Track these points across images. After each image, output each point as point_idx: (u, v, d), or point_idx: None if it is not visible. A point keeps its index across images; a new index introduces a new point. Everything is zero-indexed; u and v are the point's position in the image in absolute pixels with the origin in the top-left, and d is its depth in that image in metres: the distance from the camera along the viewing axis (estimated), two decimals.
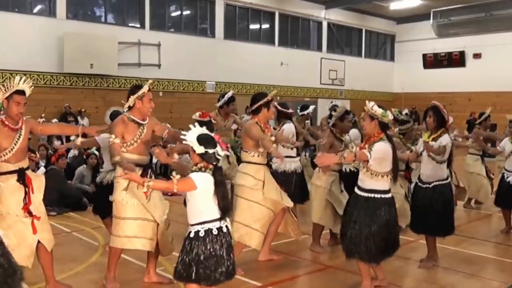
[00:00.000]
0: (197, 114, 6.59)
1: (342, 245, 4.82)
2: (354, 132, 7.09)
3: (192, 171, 3.61)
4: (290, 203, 5.61)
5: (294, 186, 7.06)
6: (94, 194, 6.89)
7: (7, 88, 4.35)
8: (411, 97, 23.55)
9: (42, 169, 8.61)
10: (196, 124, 3.74)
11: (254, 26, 20.84)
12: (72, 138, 4.85)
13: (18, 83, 4.37)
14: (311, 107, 8.38)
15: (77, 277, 5.17)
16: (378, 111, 4.58)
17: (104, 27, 16.16)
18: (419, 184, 5.63)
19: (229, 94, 7.21)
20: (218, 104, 7.22)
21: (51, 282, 4.71)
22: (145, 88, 4.68)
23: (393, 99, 24.61)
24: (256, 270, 5.40)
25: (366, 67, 24.35)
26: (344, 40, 24.37)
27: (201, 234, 3.57)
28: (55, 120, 13.49)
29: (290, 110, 7.34)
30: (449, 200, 5.56)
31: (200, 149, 3.56)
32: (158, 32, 17.25)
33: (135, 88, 4.73)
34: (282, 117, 7.20)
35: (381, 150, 4.49)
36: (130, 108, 4.71)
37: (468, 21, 22.61)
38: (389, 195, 4.64)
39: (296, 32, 22.17)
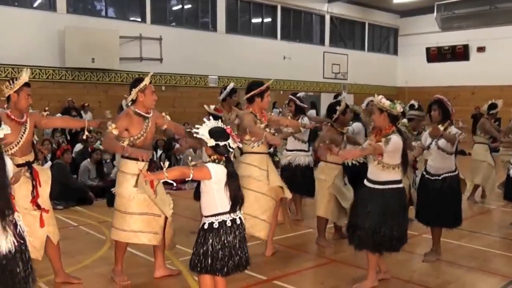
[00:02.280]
0: (212, 107, 6.71)
1: (351, 237, 4.88)
2: (357, 125, 7.20)
3: (206, 162, 3.74)
4: (289, 194, 5.76)
5: (308, 179, 7.23)
6: (107, 187, 6.91)
7: (14, 82, 4.43)
8: (414, 91, 23.60)
9: (49, 163, 8.75)
10: (211, 117, 3.89)
11: (256, 20, 20.88)
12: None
13: (25, 76, 4.46)
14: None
15: (85, 270, 5.30)
16: (386, 103, 4.67)
17: (105, 21, 16.22)
18: (426, 176, 5.72)
19: (231, 86, 7.36)
20: (221, 97, 7.37)
21: (60, 274, 4.83)
22: (146, 81, 4.76)
23: (396, 93, 24.62)
24: (261, 264, 5.50)
25: (369, 61, 24.42)
26: (347, 34, 24.40)
27: (215, 225, 3.68)
28: (58, 114, 13.60)
29: (306, 105, 7.60)
30: (457, 192, 5.69)
31: (211, 142, 3.68)
32: (160, 26, 17.30)
33: (136, 81, 4.81)
34: (298, 111, 7.37)
35: (395, 144, 4.61)
36: (133, 101, 4.80)
37: (472, 14, 22.61)
38: (401, 185, 4.76)
39: (298, 26, 22.21)
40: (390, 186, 4.68)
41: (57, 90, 15.02)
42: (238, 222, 3.76)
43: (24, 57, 14.16)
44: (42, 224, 4.49)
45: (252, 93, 5.58)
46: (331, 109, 6.24)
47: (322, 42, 23.10)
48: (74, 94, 15.22)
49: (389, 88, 24.92)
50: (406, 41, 25.80)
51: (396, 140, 4.62)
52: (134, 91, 4.75)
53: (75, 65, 15.15)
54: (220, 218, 3.70)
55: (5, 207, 2.95)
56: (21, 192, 4.39)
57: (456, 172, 5.66)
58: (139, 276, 5.14)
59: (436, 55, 24.20)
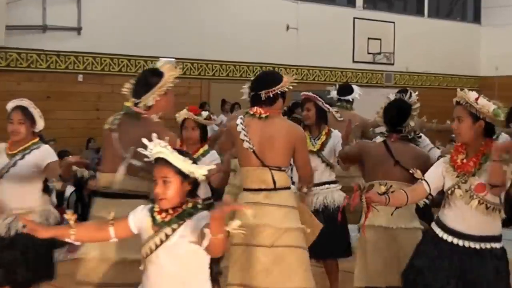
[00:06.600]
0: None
1: None
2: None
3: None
4: None
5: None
6: None
7: None
8: (509, 82, 23.51)
9: None
10: None
11: None
12: None
13: None
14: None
15: None
16: (490, 107, 4.78)
17: None
18: None
19: None
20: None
21: None
22: None
23: (479, 86, 24.50)
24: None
25: (432, 34, 24.39)
26: None
27: None
28: None
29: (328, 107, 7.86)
30: None
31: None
32: None
33: None
34: (321, 118, 7.58)
35: None
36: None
37: None
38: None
39: None
40: (492, 245, 4.86)
41: None
42: None
43: None
44: None
45: (276, 88, 5.85)
46: None
47: (351, 2, 23.15)
48: None
49: (466, 80, 24.94)
50: (495, 1, 25.81)
51: None
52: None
53: None
54: None
55: None
56: None
57: None
58: None
59: None
